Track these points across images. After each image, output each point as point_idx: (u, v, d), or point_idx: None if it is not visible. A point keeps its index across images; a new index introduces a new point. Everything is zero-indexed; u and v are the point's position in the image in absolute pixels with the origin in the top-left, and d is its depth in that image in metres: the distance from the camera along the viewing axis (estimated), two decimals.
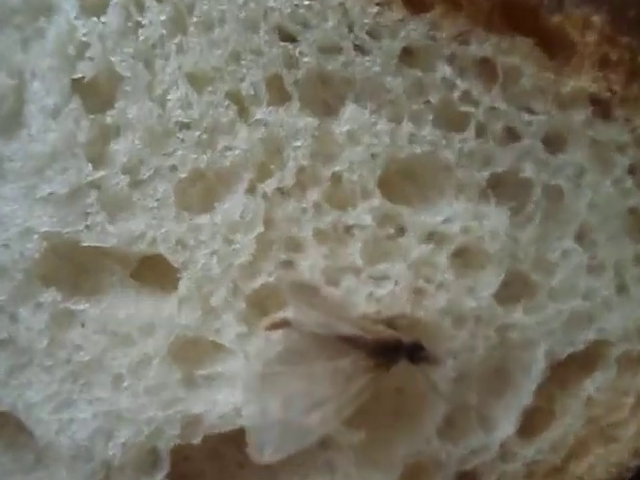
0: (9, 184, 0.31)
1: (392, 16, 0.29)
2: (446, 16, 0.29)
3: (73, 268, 0.32)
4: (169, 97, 0.31)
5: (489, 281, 0.29)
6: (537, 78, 0.28)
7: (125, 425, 0.30)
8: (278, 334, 0.29)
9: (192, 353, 0.31)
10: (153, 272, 0.32)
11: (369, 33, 0.29)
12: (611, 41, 0.27)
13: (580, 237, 0.30)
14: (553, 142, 0.29)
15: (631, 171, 0.29)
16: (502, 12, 0.28)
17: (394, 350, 0.27)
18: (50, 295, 0.31)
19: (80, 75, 0.31)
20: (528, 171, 0.29)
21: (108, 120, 0.31)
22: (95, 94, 0.32)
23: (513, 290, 0.30)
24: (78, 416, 0.30)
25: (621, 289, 0.29)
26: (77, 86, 0.31)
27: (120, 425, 0.30)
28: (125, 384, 0.30)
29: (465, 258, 0.30)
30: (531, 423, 0.29)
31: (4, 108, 0.31)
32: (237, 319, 0.30)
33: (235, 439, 0.31)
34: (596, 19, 0.26)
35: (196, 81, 0.31)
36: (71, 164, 0.31)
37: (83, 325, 0.31)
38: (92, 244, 0.31)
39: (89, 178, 0.31)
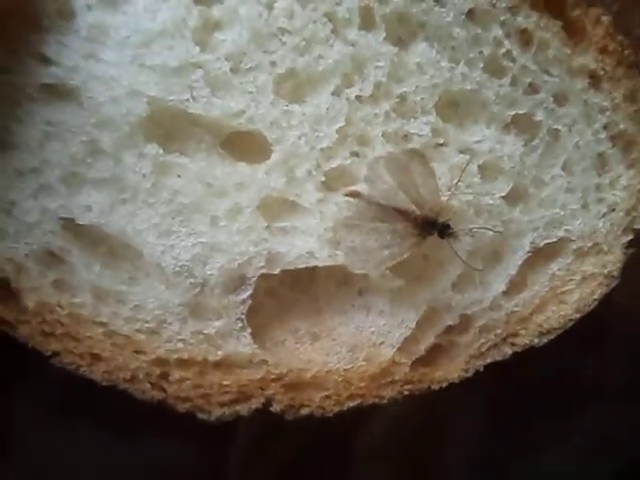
0: (114, 50, 0.34)
1: None
2: None
3: (165, 132, 0.36)
4: (276, 5, 0.36)
5: (501, 187, 0.38)
6: (559, 51, 0.37)
7: (221, 254, 0.36)
8: (350, 202, 0.37)
9: (277, 208, 0.37)
10: (239, 146, 0.37)
11: None
12: (611, 36, 0.37)
13: (565, 167, 0.38)
14: (560, 98, 0.38)
15: (605, 127, 0.38)
16: None
17: (432, 225, 0.37)
18: (153, 148, 0.35)
19: None
20: (539, 116, 0.38)
21: (215, 13, 0.35)
22: None
23: (515, 196, 0.38)
24: (180, 243, 0.36)
25: (584, 206, 0.39)
26: None
27: (216, 254, 0.36)
28: (221, 224, 0.36)
29: (487, 169, 0.38)
30: (513, 287, 0.39)
31: None
32: (316, 188, 0.37)
33: (289, 281, 0.38)
34: (604, 18, 0.37)
35: None
36: (179, 43, 0.35)
37: (180, 176, 0.36)
38: (197, 112, 0.35)
39: (195, 59, 0.35)
